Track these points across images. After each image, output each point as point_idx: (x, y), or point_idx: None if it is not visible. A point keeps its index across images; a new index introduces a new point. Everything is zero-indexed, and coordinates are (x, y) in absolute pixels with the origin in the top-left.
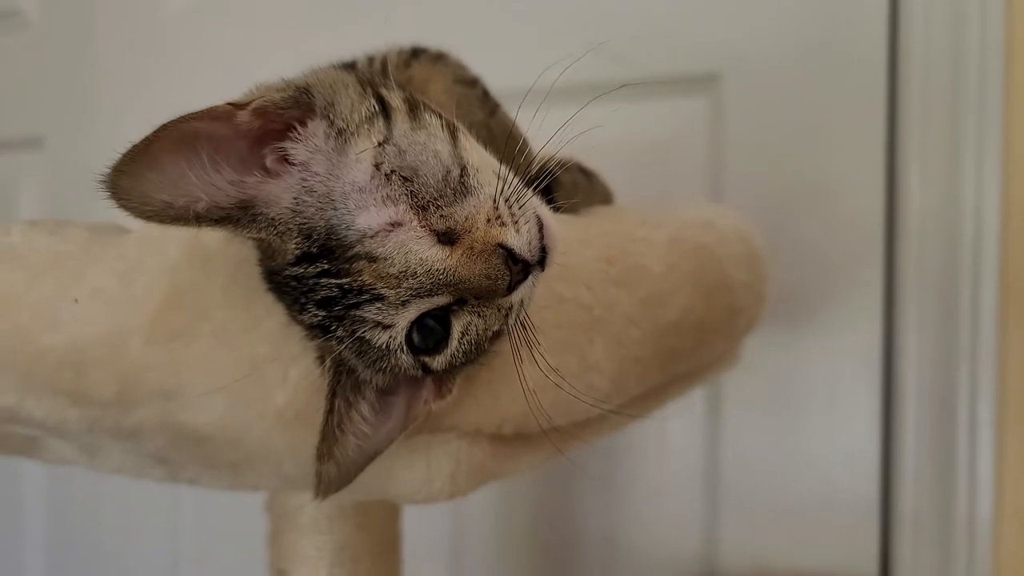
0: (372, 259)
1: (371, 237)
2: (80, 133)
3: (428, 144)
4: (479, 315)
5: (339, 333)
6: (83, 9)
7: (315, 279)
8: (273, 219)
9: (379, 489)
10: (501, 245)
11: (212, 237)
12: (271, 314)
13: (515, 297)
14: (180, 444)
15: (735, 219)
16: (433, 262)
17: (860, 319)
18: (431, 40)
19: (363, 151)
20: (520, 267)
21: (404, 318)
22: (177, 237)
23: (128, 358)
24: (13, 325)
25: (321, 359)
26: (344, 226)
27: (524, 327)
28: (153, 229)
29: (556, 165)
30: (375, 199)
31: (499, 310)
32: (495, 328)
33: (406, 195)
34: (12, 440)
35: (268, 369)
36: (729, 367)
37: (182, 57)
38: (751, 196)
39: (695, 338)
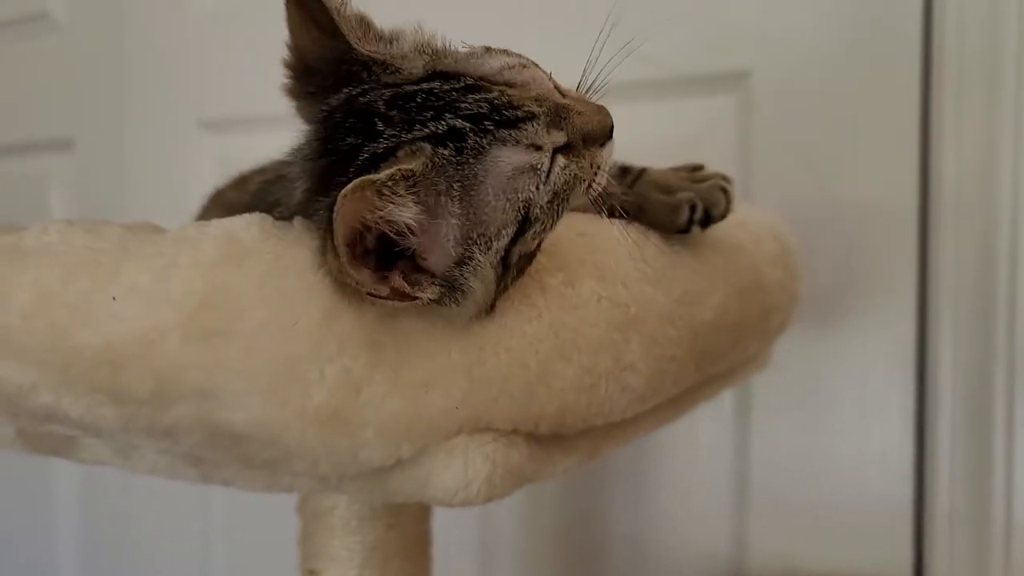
0: (512, 85)
1: (508, 69)
2: (109, 135)
3: None
4: (575, 163)
5: (471, 143)
6: (112, 12)
7: (460, 93)
8: None
9: (417, 492)
10: None
11: (248, 234)
12: (307, 313)
13: (606, 152)
14: (216, 443)
15: (768, 217)
16: (557, 97)
17: (893, 317)
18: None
19: None
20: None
21: (551, 141)
22: (213, 234)
23: (164, 356)
24: (49, 323)
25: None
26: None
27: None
28: (190, 227)
29: None
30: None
31: (591, 166)
32: (585, 182)
33: None
34: (50, 439)
35: (305, 368)
36: (761, 369)
37: (211, 58)
38: (782, 194)
39: (730, 338)
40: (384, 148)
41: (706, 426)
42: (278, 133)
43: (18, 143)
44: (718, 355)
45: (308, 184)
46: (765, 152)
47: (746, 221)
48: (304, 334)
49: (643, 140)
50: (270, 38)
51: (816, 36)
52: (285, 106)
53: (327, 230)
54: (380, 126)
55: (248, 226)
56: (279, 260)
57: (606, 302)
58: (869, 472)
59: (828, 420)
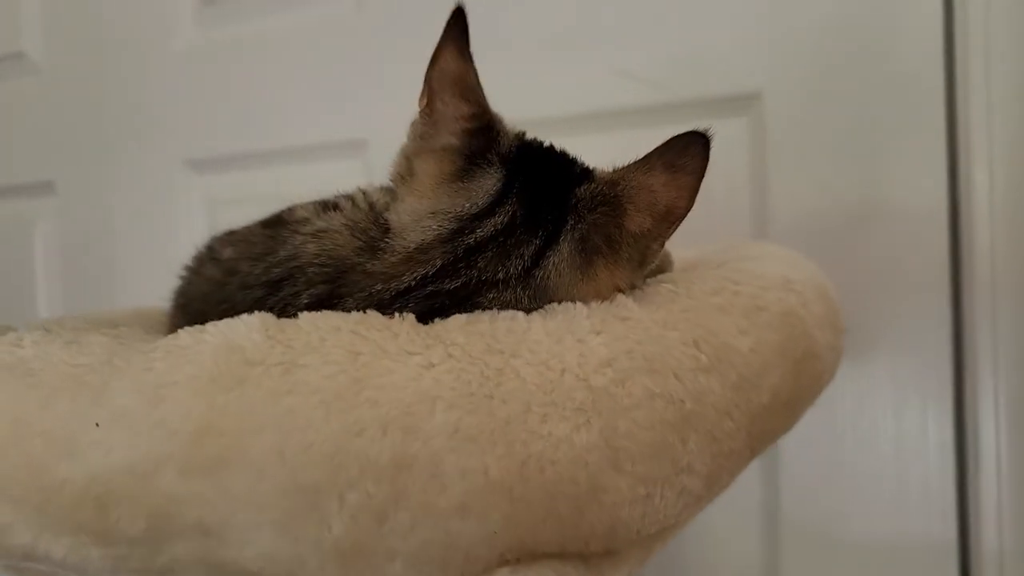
0: None
1: None
2: (92, 177)
3: None
4: None
5: None
6: (89, 51)
7: None
8: None
9: None
10: None
11: (251, 342)
12: (323, 432)
13: None
14: None
15: (809, 269)
16: None
17: (927, 344)
18: None
19: None
20: None
21: None
22: (211, 344)
23: (159, 490)
24: (25, 454)
25: None
26: None
27: None
28: (184, 335)
29: None
30: None
31: None
32: None
33: None
34: (34, 573)
35: (322, 496)
36: None
37: (194, 97)
38: (799, 218)
39: (786, 416)
40: (582, 169)
41: None
42: (267, 170)
43: None
44: (773, 436)
45: (519, 207)
46: (780, 174)
47: (790, 279)
48: (320, 458)
49: None
50: (250, 73)
51: (828, 51)
52: (271, 142)
53: (614, 208)
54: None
55: (250, 332)
56: (288, 373)
57: (660, 400)
58: (909, 509)
59: (862, 454)
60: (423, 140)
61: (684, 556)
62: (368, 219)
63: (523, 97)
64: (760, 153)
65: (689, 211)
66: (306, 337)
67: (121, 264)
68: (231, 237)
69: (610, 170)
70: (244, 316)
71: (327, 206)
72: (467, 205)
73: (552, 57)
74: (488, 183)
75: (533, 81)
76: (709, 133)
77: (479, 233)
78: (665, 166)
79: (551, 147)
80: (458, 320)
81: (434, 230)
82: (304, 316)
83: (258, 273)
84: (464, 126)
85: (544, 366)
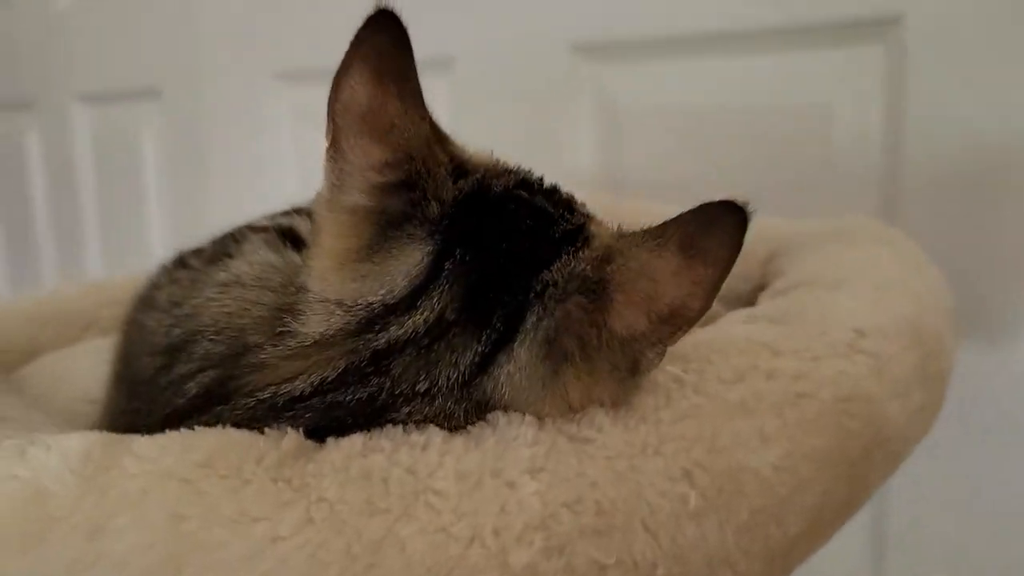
0: None
1: None
2: (190, 84)
3: None
4: None
5: None
6: None
7: None
8: None
9: None
10: None
11: (62, 485)
12: None
13: None
14: None
15: (908, 293)
16: None
17: None
18: None
19: None
20: None
21: None
22: (21, 481)
23: None
24: None
25: None
26: None
27: None
28: None
29: None
30: None
31: None
32: None
33: None
34: None
35: None
36: None
37: (282, 6)
38: (941, 168)
39: (830, 531)
40: (567, 228)
41: None
42: None
43: (110, 92)
44: (807, 554)
45: (452, 297)
46: (920, 113)
47: (864, 330)
48: None
49: (770, 99)
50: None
51: None
52: None
53: (596, 299)
54: (547, 206)
55: (64, 468)
56: (93, 538)
57: (616, 572)
58: None
59: (980, 465)
60: (330, 192)
61: None
62: (293, 268)
63: (627, 12)
64: (898, 87)
65: (704, 313)
66: (127, 483)
67: (216, 168)
68: (173, 273)
69: (613, 231)
70: (74, 436)
71: (279, 233)
72: (382, 292)
73: None
74: (408, 262)
75: None
76: (747, 208)
77: (393, 332)
78: (681, 246)
79: (522, 196)
80: (349, 448)
81: (339, 317)
82: (142, 443)
83: (163, 331)
84: (376, 180)
85: (444, 533)
